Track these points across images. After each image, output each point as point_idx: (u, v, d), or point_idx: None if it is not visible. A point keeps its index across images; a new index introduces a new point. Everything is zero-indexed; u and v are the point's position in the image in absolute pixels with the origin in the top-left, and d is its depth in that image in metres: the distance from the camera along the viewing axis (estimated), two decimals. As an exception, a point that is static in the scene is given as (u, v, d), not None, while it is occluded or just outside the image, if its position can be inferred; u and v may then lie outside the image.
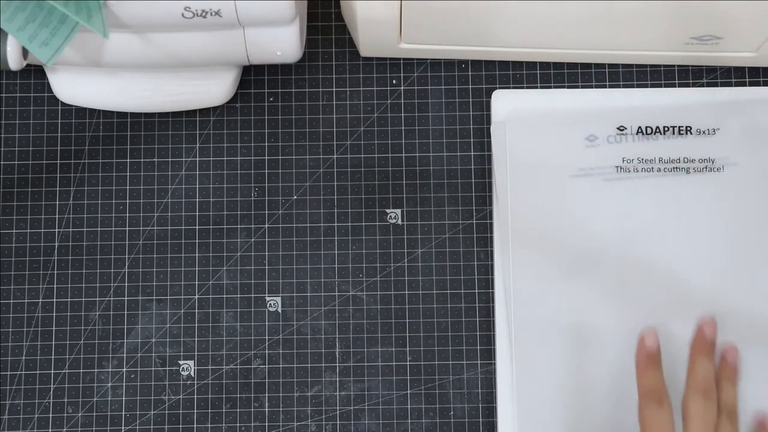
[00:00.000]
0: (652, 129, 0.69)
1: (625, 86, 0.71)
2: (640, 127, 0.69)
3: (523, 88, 0.71)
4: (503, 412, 0.66)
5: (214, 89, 0.68)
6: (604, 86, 0.71)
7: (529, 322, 0.67)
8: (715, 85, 0.71)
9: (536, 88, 0.71)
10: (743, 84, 0.71)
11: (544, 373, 0.66)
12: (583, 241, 0.67)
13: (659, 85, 0.71)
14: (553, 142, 0.69)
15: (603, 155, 0.68)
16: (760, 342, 0.66)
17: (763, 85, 0.71)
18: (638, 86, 0.71)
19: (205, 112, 0.71)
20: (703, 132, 0.69)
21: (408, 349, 0.68)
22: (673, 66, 0.71)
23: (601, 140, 0.69)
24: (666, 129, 0.69)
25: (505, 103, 0.70)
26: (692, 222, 0.68)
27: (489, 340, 0.68)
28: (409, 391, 0.68)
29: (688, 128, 0.69)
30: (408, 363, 0.68)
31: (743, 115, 0.69)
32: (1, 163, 0.70)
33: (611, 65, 0.71)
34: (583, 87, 0.71)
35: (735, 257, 0.67)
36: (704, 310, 0.66)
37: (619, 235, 0.67)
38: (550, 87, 0.71)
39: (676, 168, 0.68)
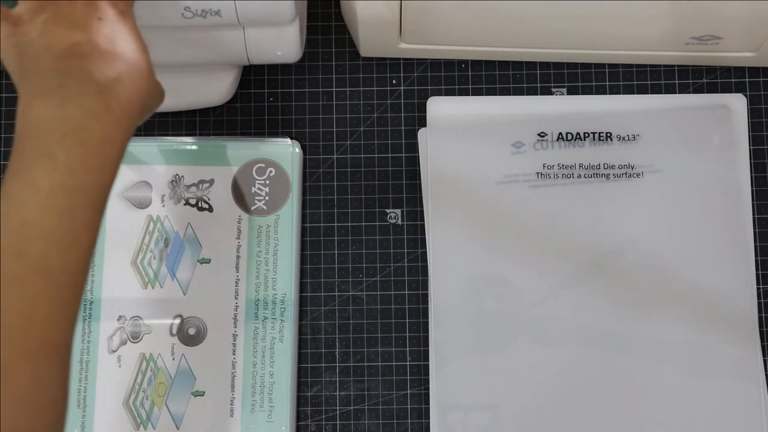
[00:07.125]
0: (572, 135, 0.69)
1: (625, 86, 0.71)
2: (560, 134, 0.69)
3: (523, 86, 0.71)
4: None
5: (214, 89, 0.68)
6: (605, 86, 0.71)
7: (451, 336, 0.67)
8: (715, 85, 0.71)
9: (535, 87, 0.71)
10: (743, 84, 0.71)
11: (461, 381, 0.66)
12: (508, 248, 0.67)
13: (659, 85, 0.71)
14: (481, 149, 0.69)
15: (528, 162, 0.69)
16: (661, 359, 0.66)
17: (763, 85, 0.71)
18: (638, 86, 0.71)
19: (205, 112, 0.71)
20: (624, 138, 0.69)
21: (408, 349, 0.68)
22: (673, 66, 0.71)
23: (527, 147, 0.69)
24: (586, 135, 0.69)
25: (437, 110, 0.70)
26: (613, 229, 0.67)
27: (489, 340, 0.68)
28: (409, 391, 0.68)
29: (609, 135, 0.69)
30: (408, 363, 0.68)
31: (664, 122, 0.69)
32: (2, 163, 0.70)
33: (611, 65, 0.71)
34: (579, 86, 0.71)
35: (656, 266, 0.67)
36: (621, 313, 0.66)
37: (543, 242, 0.67)
38: (549, 86, 0.71)
39: (596, 174, 0.68)
